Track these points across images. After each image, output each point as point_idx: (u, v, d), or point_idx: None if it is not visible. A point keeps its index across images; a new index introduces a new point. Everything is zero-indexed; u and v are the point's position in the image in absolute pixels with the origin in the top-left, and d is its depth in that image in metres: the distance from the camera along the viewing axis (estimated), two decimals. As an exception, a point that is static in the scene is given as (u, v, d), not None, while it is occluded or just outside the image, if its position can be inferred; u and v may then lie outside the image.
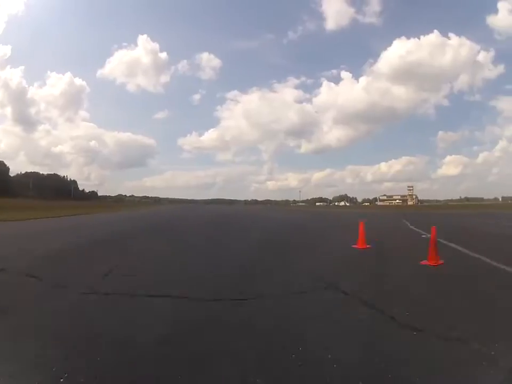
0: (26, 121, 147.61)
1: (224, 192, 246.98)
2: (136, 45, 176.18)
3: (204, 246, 7.73)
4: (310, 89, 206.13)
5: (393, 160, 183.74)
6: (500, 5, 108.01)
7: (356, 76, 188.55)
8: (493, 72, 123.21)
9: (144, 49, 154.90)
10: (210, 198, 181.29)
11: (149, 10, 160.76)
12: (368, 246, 6.91)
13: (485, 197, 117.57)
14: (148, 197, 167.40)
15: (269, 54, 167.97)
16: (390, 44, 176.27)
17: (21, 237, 9.41)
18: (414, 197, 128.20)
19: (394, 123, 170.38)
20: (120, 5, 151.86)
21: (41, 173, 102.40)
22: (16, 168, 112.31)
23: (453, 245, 6.92)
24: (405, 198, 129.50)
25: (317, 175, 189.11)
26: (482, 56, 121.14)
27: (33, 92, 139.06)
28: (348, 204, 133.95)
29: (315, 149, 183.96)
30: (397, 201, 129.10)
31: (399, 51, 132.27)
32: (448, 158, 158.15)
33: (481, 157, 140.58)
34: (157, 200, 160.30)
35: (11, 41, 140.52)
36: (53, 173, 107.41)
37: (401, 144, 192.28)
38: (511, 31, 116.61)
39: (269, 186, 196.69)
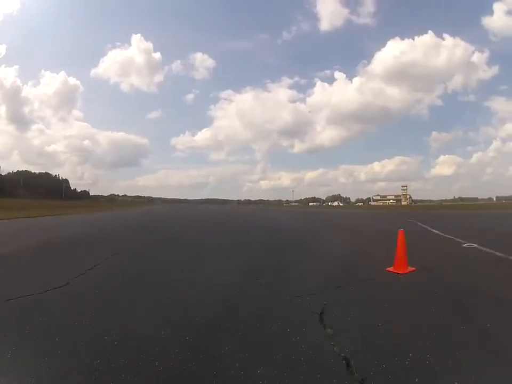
0: (20, 120, 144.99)
1: (217, 192, 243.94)
2: (130, 44, 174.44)
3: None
4: (303, 89, 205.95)
5: (386, 160, 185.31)
6: (496, 6, 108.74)
7: (350, 77, 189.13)
8: (487, 73, 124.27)
9: (138, 48, 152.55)
10: (203, 198, 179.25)
11: (142, 10, 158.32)
12: (412, 268, 4.44)
13: (479, 197, 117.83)
14: (141, 196, 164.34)
15: (262, 54, 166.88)
16: (384, 44, 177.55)
17: None
18: (408, 196, 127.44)
19: (388, 123, 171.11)
20: (114, 4, 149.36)
21: (33, 171, 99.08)
22: (9, 167, 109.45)
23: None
24: (399, 198, 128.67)
25: (310, 175, 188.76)
26: (477, 57, 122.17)
27: (27, 91, 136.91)
28: (341, 204, 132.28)
29: (308, 148, 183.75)
30: (391, 201, 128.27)
31: (393, 52, 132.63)
32: (442, 158, 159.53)
33: (475, 157, 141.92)
34: (149, 200, 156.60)
35: (6, 41, 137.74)
36: (45, 172, 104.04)
37: (394, 144, 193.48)
38: (507, 32, 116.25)
39: (262, 186, 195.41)
